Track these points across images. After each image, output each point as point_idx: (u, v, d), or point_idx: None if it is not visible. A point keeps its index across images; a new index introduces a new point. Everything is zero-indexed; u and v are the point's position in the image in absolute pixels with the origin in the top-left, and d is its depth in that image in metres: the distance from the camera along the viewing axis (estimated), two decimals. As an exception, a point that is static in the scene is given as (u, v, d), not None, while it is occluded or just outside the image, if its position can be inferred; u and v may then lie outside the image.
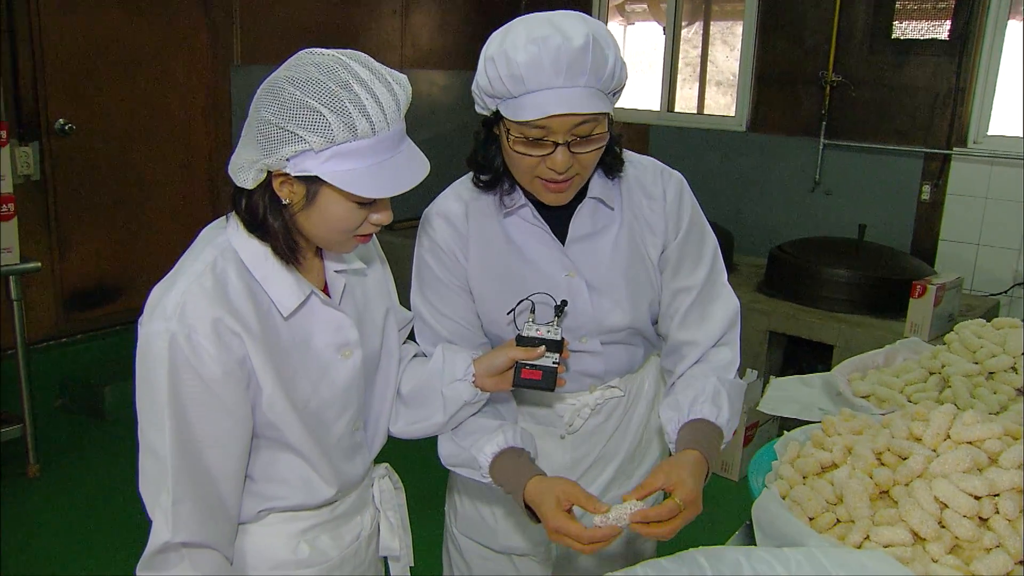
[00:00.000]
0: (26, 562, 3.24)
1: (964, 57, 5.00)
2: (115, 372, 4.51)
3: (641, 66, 6.39)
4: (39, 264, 3.70)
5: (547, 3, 4.66)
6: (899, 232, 5.33)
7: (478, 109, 1.53)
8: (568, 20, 1.42)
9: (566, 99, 1.38)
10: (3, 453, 3.84)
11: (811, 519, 1.52)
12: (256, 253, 1.30)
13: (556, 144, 1.42)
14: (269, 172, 1.24)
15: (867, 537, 1.42)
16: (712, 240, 1.71)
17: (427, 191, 1.62)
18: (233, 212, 1.33)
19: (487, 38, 1.50)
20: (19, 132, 4.19)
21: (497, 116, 1.48)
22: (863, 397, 2.08)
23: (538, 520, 1.44)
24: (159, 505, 1.25)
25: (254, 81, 4.83)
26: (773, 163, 5.64)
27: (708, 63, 6.26)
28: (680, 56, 6.17)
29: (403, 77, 1.28)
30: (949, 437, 1.53)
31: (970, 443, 1.50)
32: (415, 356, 1.63)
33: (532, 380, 1.48)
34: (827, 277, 4.43)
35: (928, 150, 5.18)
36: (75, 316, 4.63)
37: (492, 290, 1.62)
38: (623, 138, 1.62)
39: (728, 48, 6.25)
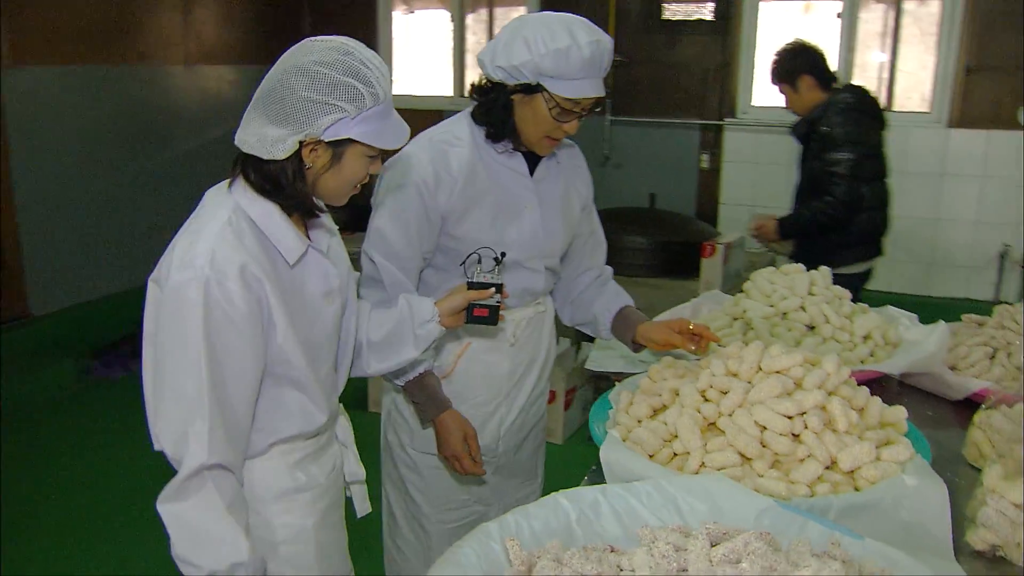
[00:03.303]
0: None
1: (727, 35, 5.46)
2: None
3: (427, 53, 6.48)
4: None
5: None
6: (684, 199, 5.76)
7: (504, 78, 1.89)
8: (595, 26, 1.90)
9: (598, 85, 1.88)
10: None
11: (651, 456, 1.67)
12: (264, 212, 1.52)
13: (577, 115, 1.90)
14: (300, 142, 1.46)
15: (702, 464, 1.59)
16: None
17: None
18: (240, 178, 1.54)
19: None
20: None
21: (530, 88, 1.87)
22: (679, 346, 2.28)
23: (426, 426, 2.04)
24: (193, 434, 1.42)
25: (28, 84, 4.46)
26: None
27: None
28: (466, 42, 6.32)
29: None
30: (761, 369, 1.73)
31: (778, 372, 1.71)
32: (373, 308, 1.90)
33: (481, 317, 1.84)
34: (625, 244, 4.73)
35: (703, 122, 5.62)
36: None
37: (476, 214, 1.99)
38: None
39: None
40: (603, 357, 2.34)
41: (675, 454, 1.67)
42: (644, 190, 5.40)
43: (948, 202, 5.16)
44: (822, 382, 1.67)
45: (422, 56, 6.57)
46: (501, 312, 1.88)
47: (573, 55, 1.82)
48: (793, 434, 1.60)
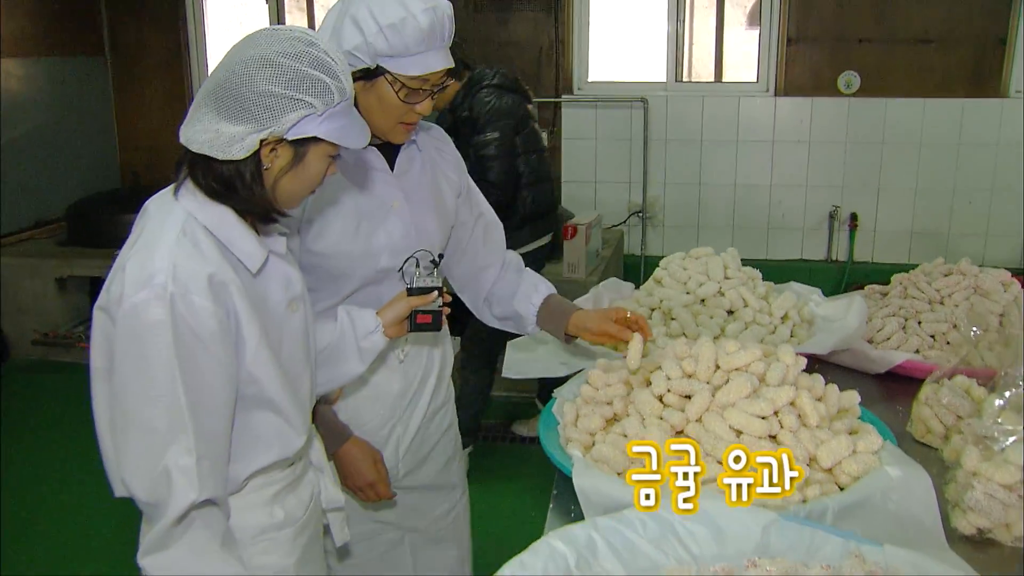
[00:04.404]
0: None
1: (559, 12, 5.40)
2: None
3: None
4: None
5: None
6: (527, 179, 5.67)
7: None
8: None
9: (444, 56, 1.70)
10: None
11: (619, 474, 1.55)
12: (218, 217, 1.38)
13: (428, 93, 1.72)
14: (260, 140, 1.34)
15: (682, 479, 1.48)
16: (472, 182, 2.06)
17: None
18: (188, 182, 1.39)
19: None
20: None
21: (370, 73, 1.69)
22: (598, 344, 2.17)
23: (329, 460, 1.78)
24: (177, 470, 1.30)
25: None
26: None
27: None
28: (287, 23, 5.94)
29: None
30: (719, 367, 1.64)
31: (737, 369, 1.62)
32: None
33: (425, 324, 1.73)
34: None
35: (540, 99, 5.54)
36: None
37: (336, 224, 1.79)
38: None
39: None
40: (521, 362, 2.18)
41: (645, 469, 1.55)
42: (489, 173, 5.27)
43: (779, 168, 5.36)
44: (784, 375, 1.60)
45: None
46: (444, 316, 1.78)
47: (409, 28, 1.63)
48: (770, 435, 1.52)
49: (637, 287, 2.56)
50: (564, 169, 5.64)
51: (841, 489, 1.49)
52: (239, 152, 1.33)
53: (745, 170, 5.40)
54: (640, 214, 5.54)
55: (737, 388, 1.55)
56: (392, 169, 1.85)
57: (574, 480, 1.48)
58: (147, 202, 1.45)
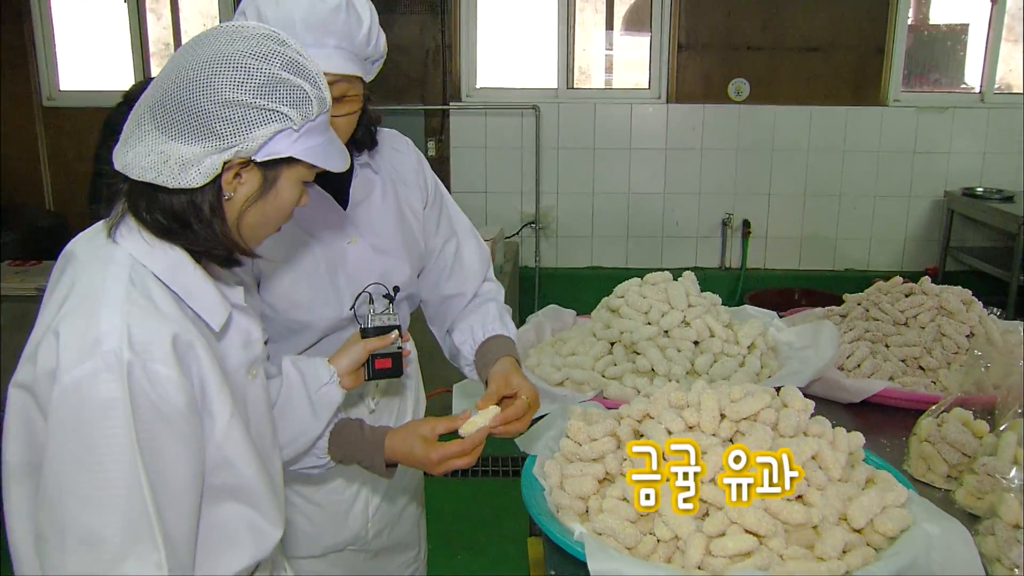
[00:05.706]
0: None
1: (446, 15, 5.17)
2: None
3: (98, 42, 5.52)
4: None
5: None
6: (415, 190, 5.41)
7: None
8: None
9: (337, 60, 1.42)
10: None
11: (630, 549, 1.35)
12: (172, 263, 1.13)
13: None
14: (224, 162, 1.09)
15: (707, 551, 1.30)
16: (447, 193, 1.84)
17: None
18: (128, 218, 1.13)
19: None
20: None
21: None
22: (558, 385, 1.97)
23: (391, 476, 1.55)
24: None
25: None
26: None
27: (181, 34, 5.64)
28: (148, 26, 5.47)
29: None
30: (724, 417, 1.47)
31: (745, 419, 1.46)
32: None
33: (385, 369, 1.54)
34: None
35: (427, 107, 5.30)
36: None
37: (286, 276, 1.58)
38: (380, 119, 1.66)
39: (205, 19, 5.69)
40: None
41: (658, 540, 1.36)
42: (377, 184, 4.99)
43: (672, 175, 5.33)
44: (799, 424, 1.45)
45: (92, 45, 5.56)
46: (405, 358, 1.57)
47: (252, 19, 1.42)
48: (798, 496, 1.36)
49: (535, 300, 2.39)
50: (453, 179, 5.41)
51: (876, 551, 1.35)
52: (195, 179, 1.08)
53: (638, 178, 5.34)
54: (533, 224, 5.38)
55: (756, 443, 1.39)
56: (347, 200, 1.62)
57: (590, 568, 1.27)
58: (70, 245, 1.17)
